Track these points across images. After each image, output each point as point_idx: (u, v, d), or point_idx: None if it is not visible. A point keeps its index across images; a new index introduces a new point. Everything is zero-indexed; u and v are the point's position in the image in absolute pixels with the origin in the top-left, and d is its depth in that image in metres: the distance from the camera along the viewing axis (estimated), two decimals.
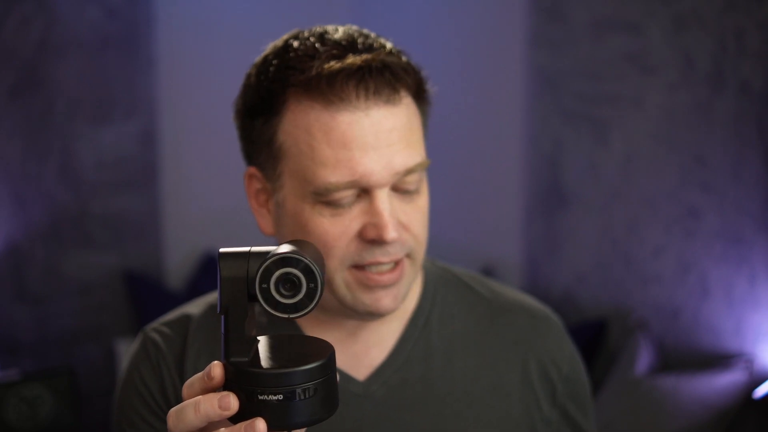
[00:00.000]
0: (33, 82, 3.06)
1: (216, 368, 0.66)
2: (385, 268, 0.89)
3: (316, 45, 0.88)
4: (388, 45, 0.92)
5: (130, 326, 3.28)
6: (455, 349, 0.98)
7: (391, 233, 0.86)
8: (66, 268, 3.17)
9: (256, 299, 0.65)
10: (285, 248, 0.65)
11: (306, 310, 0.64)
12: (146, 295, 3.22)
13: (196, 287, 3.25)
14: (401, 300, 0.92)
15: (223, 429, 0.65)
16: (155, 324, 1.00)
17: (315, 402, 0.65)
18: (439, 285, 1.02)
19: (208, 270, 3.32)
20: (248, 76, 0.93)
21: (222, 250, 0.66)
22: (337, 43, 0.88)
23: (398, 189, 0.89)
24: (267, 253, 0.65)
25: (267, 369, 0.65)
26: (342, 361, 0.95)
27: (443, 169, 3.20)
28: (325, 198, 0.87)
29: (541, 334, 1.01)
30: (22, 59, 3.04)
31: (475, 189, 3.23)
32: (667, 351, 2.59)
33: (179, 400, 0.83)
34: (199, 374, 0.67)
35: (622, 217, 2.77)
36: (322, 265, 0.67)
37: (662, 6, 2.59)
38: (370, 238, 0.87)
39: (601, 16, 2.78)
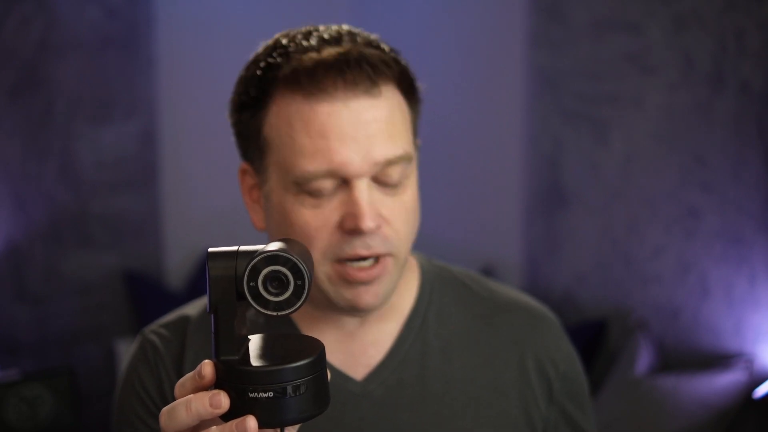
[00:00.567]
0: (33, 82, 3.06)
1: (206, 367, 0.66)
2: (366, 263, 0.89)
3: (303, 42, 0.90)
4: (372, 38, 0.92)
5: (130, 326, 3.28)
6: (452, 348, 0.98)
7: (368, 222, 0.86)
8: (66, 268, 3.17)
9: (244, 298, 0.65)
10: (272, 246, 0.66)
11: (294, 308, 0.65)
12: (146, 295, 3.22)
13: (196, 287, 3.25)
14: (384, 298, 0.92)
15: (214, 427, 0.65)
16: (153, 326, 1.01)
17: (306, 399, 0.66)
18: (436, 284, 1.02)
19: None
20: (240, 74, 0.95)
21: (210, 249, 0.67)
22: (321, 38, 0.89)
23: (380, 181, 0.89)
24: (255, 251, 0.65)
25: (257, 367, 0.65)
26: (340, 361, 0.95)
27: (443, 169, 3.21)
28: (305, 188, 0.88)
29: (539, 332, 1.01)
30: (22, 59, 3.04)
31: (475, 189, 3.23)
32: (667, 351, 2.59)
33: None
34: (191, 373, 0.68)
35: (622, 217, 2.77)
36: (309, 263, 0.67)
37: (662, 6, 2.59)
38: (349, 228, 0.87)
39: (601, 16, 2.78)
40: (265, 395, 0.64)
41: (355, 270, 0.89)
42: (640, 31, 2.66)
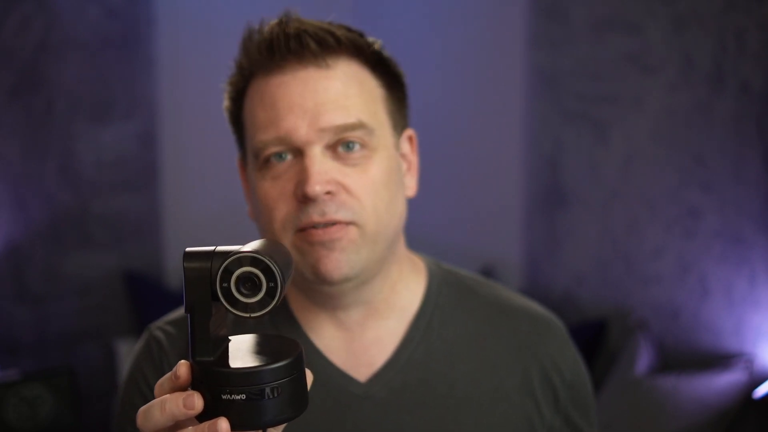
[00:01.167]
0: (33, 82, 3.06)
1: (182, 367, 0.66)
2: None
3: (254, 27, 0.95)
4: (326, 21, 0.95)
5: (130, 326, 3.28)
6: (457, 352, 0.97)
7: (314, 186, 0.87)
8: (66, 268, 3.17)
9: (219, 299, 0.65)
10: (247, 248, 0.65)
11: (266, 309, 0.64)
12: (146, 295, 3.22)
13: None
14: (350, 269, 0.90)
15: (190, 428, 0.65)
16: (159, 322, 1.01)
17: (281, 402, 0.65)
18: (443, 287, 1.01)
19: None
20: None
21: (187, 249, 0.67)
22: (267, 23, 0.94)
23: (337, 152, 0.90)
24: (230, 252, 0.65)
25: (230, 369, 0.65)
26: (342, 361, 0.95)
27: (443, 169, 3.21)
28: (262, 159, 0.91)
29: (544, 339, 1.01)
30: (22, 59, 3.04)
31: (475, 189, 3.23)
32: (667, 351, 2.59)
33: None
34: (168, 374, 0.67)
35: (622, 217, 2.77)
36: (285, 265, 0.67)
37: (662, 6, 2.59)
38: (300, 195, 0.88)
39: (601, 16, 2.78)
40: (239, 397, 0.64)
41: (314, 230, 0.89)
42: (640, 31, 2.66)
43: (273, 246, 0.68)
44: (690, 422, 2.29)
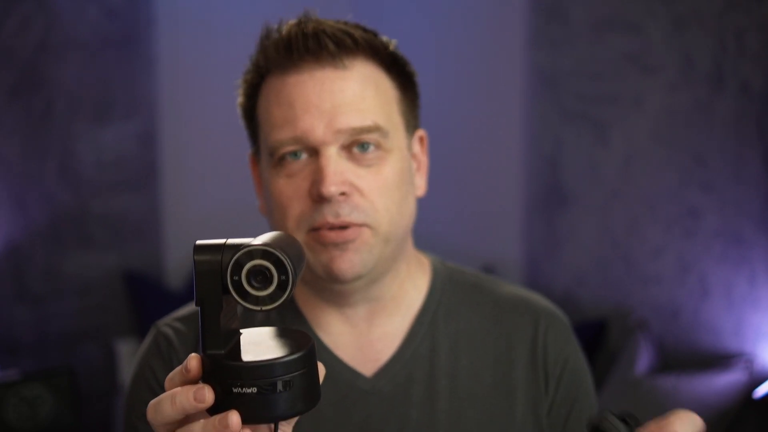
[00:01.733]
0: (33, 82, 3.06)
1: (192, 361, 0.66)
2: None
3: (273, 27, 0.95)
4: (343, 21, 0.96)
5: (130, 326, 3.28)
6: (460, 346, 0.98)
7: (329, 187, 0.88)
8: (66, 268, 3.17)
9: (229, 292, 0.64)
10: (258, 240, 0.65)
11: (278, 302, 0.64)
12: (146, 295, 3.22)
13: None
14: (362, 269, 0.91)
15: (201, 421, 0.65)
16: (167, 319, 1.01)
17: (292, 395, 0.64)
18: (447, 284, 1.02)
19: None
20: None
21: (198, 242, 0.66)
22: (286, 23, 0.94)
23: (352, 152, 0.91)
24: (240, 245, 0.64)
25: (240, 362, 0.64)
26: (349, 356, 0.96)
27: (443, 169, 3.21)
28: (277, 157, 0.92)
29: (546, 331, 1.01)
30: (22, 59, 3.04)
31: (475, 189, 3.23)
32: (667, 351, 2.59)
33: None
34: (179, 367, 0.67)
35: (622, 217, 2.77)
36: (296, 258, 0.66)
37: (662, 6, 2.59)
38: (315, 195, 0.89)
39: (601, 16, 2.78)
40: (249, 391, 0.63)
41: (328, 232, 0.90)
42: (640, 31, 2.66)
43: (285, 239, 0.67)
44: None
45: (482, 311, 1.01)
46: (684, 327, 2.58)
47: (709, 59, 2.49)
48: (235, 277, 0.63)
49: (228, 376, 0.64)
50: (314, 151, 0.91)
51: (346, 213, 0.89)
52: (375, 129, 0.91)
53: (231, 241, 0.65)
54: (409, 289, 1.00)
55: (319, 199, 0.89)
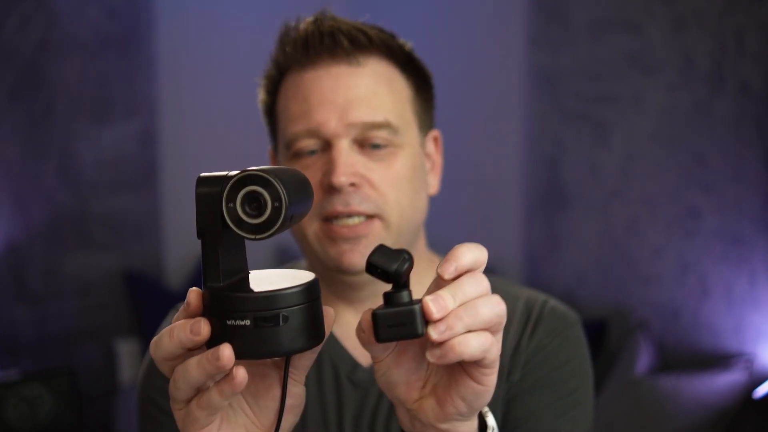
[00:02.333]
0: (33, 82, 3.06)
1: (192, 294, 0.65)
2: (350, 221, 0.93)
3: (291, 24, 0.98)
4: (360, 21, 0.99)
5: (130, 326, 3.28)
6: None
7: (339, 176, 0.90)
8: (66, 268, 3.17)
9: (227, 224, 0.63)
10: (254, 167, 0.64)
11: (271, 231, 0.62)
12: (146, 295, 3.22)
13: (196, 287, 3.25)
14: None
15: (197, 356, 0.64)
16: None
17: (287, 331, 0.62)
18: None
19: None
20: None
21: (201, 174, 0.65)
22: (303, 20, 0.97)
23: (364, 146, 0.94)
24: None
25: (234, 293, 0.62)
26: (353, 347, 0.98)
27: (443, 168, 3.21)
28: (293, 150, 0.95)
29: (534, 324, 0.99)
30: (22, 59, 3.04)
31: (475, 189, 3.23)
32: (667, 351, 2.59)
33: None
34: (183, 303, 0.67)
35: (622, 217, 2.77)
36: (294, 188, 0.64)
37: (662, 6, 2.60)
38: (326, 185, 0.92)
39: (601, 16, 2.78)
40: (242, 323, 0.61)
41: (339, 227, 0.93)
42: (640, 31, 2.66)
43: (286, 171, 0.66)
44: (690, 422, 2.29)
45: None
46: (684, 327, 2.58)
47: (709, 59, 2.49)
48: (230, 204, 0.62)
49: (223, 307, 0.62)
50: (327, 144, 0.94)
51: (357, 203, 0.92)
52: (386, 125, 0.94)
53: (233, 172, 0.64)
54: (415, 286, 1.00)
55: (330, 189, 0.92)
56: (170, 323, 0.99)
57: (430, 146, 1.03)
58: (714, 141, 2.50)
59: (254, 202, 0.62)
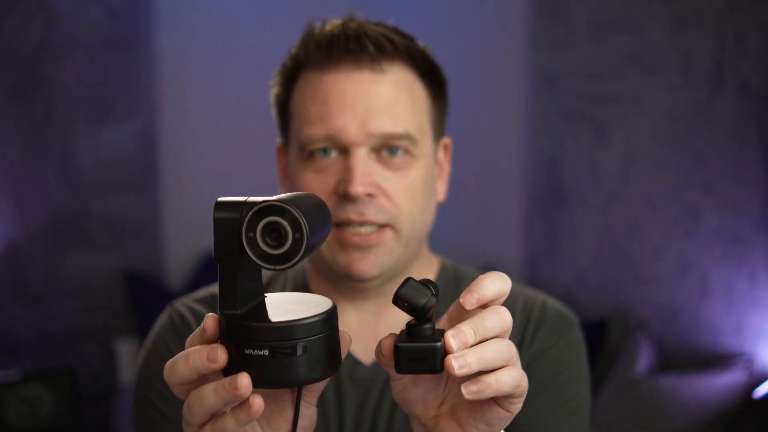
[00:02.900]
0: (33, 82, 3.06)
1: (209, 320, 0.64)
2: (362, 230, 0.92)
3: (316, 24, 0.97)
4: (385, 24, 0.98)
5: (130, 326, 3.28)
6: None
7: (356, 187, 0.90)
8: (66, 268, 3.17)
9: (246, 251, 0.62)
10: (274, 198, 0.62)
11: (292, 262, 0.61)
12: (146, 295, 3.22)
13: (196, 287, 3.23)
14: (381, 269, 0.94)
15: (213, 383, 0.63)
16: (184, 299, 1.03)
17: (308, 361, 0.62)
18: (450, 283, 1.04)
19: (208, 270, 3.32)
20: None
21: (220, 199, 0.65)
22: (330, 22, 0.96)
23: (381, 155, 0.93)
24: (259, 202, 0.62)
25: (252, 323, 0.62)
26: (354, 345, 0.97)
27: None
28: (308, 152, 0.94)
29: (535, 326, 0.99)
30: (22, 59, 3.04)
31: (475, 189, 3.23)
32: (667, 351, 2.59)
33: None
34: (198, 328, 0.66)
35: (622, 217, 2.77)
36: (315, 219, 0.63)
37: (662, 6, 2.60)
38: (341, 193, 0.92)
39: (601, 16, 2.78)
40: (260, 353, 0.61)
41: (351, 234, 0.92)
42: (640, 31, 2.66)
43: (306, 198, 0.65)
44: (690, 422, 2.29)
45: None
46: (684, 327, 2.58)
47: (709, 59, 2.49)
48: (250, 234, 0.62)
49: (241, 336, 0.61)
50: (345, 150, 0.93)
51: (371, 213, 0.92)
52: (405, 137, 0.93)
53: (252, 198, 0.63)
54: None
55: (345, 197, 0.91)
56: (165, 323, 1.00)
57: (441, 153, 1.03)
58: (714, 141, 2.50)
59: (275, 233, 0.61)
